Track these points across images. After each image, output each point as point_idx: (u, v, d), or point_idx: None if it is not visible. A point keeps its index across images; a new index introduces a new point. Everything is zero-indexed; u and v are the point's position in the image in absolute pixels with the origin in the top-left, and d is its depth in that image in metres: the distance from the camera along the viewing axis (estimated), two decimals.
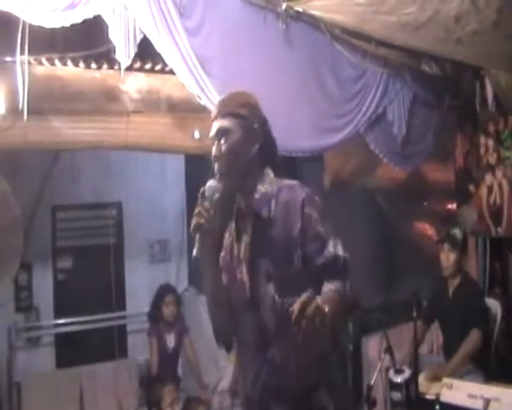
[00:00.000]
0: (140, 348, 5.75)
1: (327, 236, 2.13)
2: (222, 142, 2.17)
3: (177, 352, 5.29)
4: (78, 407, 5.17)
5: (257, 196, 2.17)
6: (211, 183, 2.12)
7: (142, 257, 6.27)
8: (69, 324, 5.78)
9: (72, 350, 5.76)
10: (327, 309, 1.89)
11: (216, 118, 2.21)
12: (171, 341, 5.25)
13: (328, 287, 2.07)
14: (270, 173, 2.23)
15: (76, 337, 5.79)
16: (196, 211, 2.07)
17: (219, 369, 5.51)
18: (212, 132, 2.20)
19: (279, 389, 2.14)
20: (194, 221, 2.07)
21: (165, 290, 5.29)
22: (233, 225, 2.25)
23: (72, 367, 5.47)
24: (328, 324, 1.91)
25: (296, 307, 1.85)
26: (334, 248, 2.12)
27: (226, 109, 2.20)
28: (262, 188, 2.19)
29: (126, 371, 5.52)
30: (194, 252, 2.06)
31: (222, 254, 2.26)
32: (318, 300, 1.89)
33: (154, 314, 5.28)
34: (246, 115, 2.19)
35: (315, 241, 2.11)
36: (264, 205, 2.16)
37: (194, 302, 5.83)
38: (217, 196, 2.09)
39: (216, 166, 2.17)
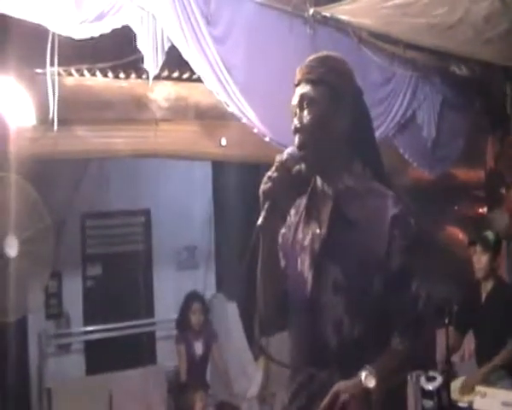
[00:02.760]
0: (169, 355, 5.75)
1: (412, 273, 1.79)
2: (305, 112, 1.85)
3: (206, 359, 5.30)
4: None
5: (341, 186, 1.85)
6: (289, 150, 1.84)
7: (170, 264, 6.27)
8: (98, 331, 5.80)
9: (101, 357, 5.79)
10: (372, 384, 1.67)
11: (299, 83, 1.89)
12: (199, 348, 5.25)
13: (395, 345, 1.79)
14: (359, 165, 1.88)
15: (105, 344, 5.81)
16: (268, 175, 1.80)
17: (248, 376, 5.49)
18: (294, 100, 1.88)
19: None
20: (263, 186, 1.79)
21: (191, 298, 5.31)
22: (303, 205, 1.96)
23: (102, 374, 5.50)
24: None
25: (326, 399, 1.66)
26: (417, 291, 1.78)
27: (312, 74, 1.86)
28: (349, 180, 1.85)
29: (155, 378, 5.53)
30: (260, 221, 1.78)
31: (283, 230, 1.98)
32: (363, 376, 1.68)
33: (182, 322, 5.30)
34: (335, 84, 1.85)
35: (397, 274, 1.77)
36: (349, 202, 1.83)
37: (222, 309, 5.82)
38: (297, 167, 1.82)
39: (296, 139, 1.86)
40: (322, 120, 1.84)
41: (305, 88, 1.86)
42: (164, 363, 5.88)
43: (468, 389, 3.99)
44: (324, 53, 1.95)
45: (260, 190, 1.81)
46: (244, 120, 3.45)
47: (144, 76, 3.50)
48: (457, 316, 4.46)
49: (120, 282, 5.98)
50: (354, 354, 1.78)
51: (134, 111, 3.68)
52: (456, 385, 4.08)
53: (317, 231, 1.88)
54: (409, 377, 3.94)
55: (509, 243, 5.15)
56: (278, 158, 1.82)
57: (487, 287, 4.36)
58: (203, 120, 3.90)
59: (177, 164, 5.60)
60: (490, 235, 4.40)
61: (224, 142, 4.03)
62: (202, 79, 3.37)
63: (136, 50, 3.16)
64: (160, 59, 3.18)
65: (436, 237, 5.63)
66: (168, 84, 3.75)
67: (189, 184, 6.26)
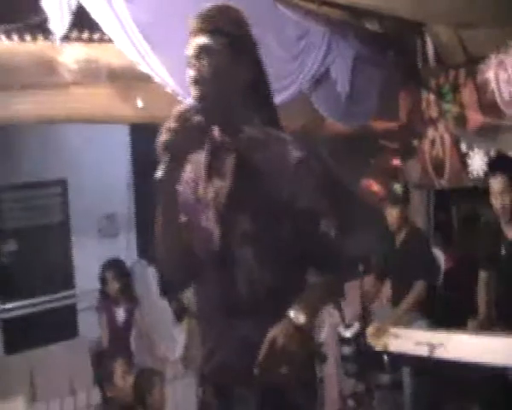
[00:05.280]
0: (91, 326, 5.66)
1: (320, 212, 1.80)
2: (203, 63, 1.79)
3: (128, 325, 5.26)
4: (30, 390, 5.05)
5: (242, 136, 1.83)
6: (189, 101, 1.81)
7: (90, 233, 6.14)
8: (16, 308, 5.62)
9: (20, 335, 5.61)
10: (302, 319, 1.69)
11: (196, 33, 1.81)
12: (120, 315, 5.22)
13: (314, 280, 1.83)
14: (257, 114, 1.87)
15: (24, 321, 5.65)
16: (167, 126, 1.73)
17: (172, 339, 5.50)
18: (191, 51, 1.81)
19: (248, 374, 1.71)
20: (162, 138, 1.73)
21: (106, 267, 5.25)
22: (198, 159, 1.90)
23: (22, 352, 5.34)
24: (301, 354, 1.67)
25: (264, 346, 1.65)
26: (328, 228, 1.79)
27: (210, 25, 1.79)
28: (249, 130, 1.84)
29: (77, 350, 5.43)
30: (159, 174, 1.73)
31: (180, 188, 1.88)
32: (292, 315, 1.69)
33: (102, 291, 5.26)
34: (234, 34, 1.81)
35: (305, 215, 1.78)
36: (251, 151, 1.82)
37: (143, 275, 5.77)
38: (198, 118, 1.76)
39: (194, 90, 1.80)
40: (222, 71, 1.79)
41: (202, 38, 1.79)
42: (86, 334, 5.78)
43: (382, 332, 4.12)
44: (221, 3, 1.87)
45: (158, 142, 1.74)
46: (157, 80, 3.39)
47: (52, 38, 3.33)
48: (376, 264, 4.61)
49: (38, 256, 5.80)
50: (268, 302, 1.78)
51: (43, 75, 3.50)
52: (372, 330, 4.21)
53: (221, 184, 1.84)
54: (327, 326, 4.09)
55: (422, 192, 5.35)
56: (177, 109, 1.76)
57: (401, 235, 4.52)
58: (117, 82, 3.77)
59: (94, 129, 5.43)
60: (398, 189, 4.50)
61: (140, 103, 3.92)
62: (112, 39, 3.27)
63: (41, 11, 3.02)
64: (67, 19, 3.06)
65: (352, 189, 5.76)
66: (78, 45, 3.59)
67: (106, 150, 6.09)
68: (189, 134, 1.74)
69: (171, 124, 1.73)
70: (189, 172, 1.91)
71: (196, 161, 1.91)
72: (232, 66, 1.80)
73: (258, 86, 1.88)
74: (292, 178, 1.78)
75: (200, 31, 1.80)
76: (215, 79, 1.78)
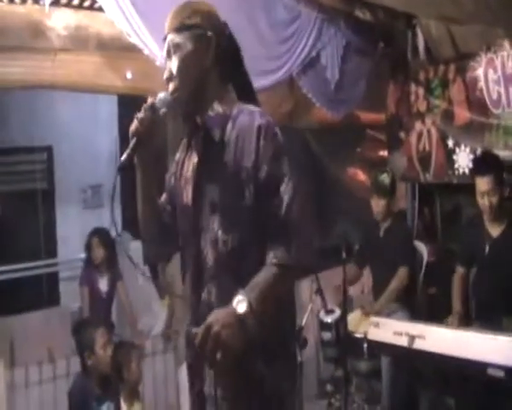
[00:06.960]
0: (73, 296, 5.68)
1: (280, 179, 1.86)
2: (172, 60, 1.97)
3: (111, 297, 5.28)
4: (9, 357, 5.07)
5: (211, 113, 1.96)
6: (161, 95, 1.97)
7: (75, 203, 6.16)
8: None
9: (1, 299, 5.62)
10: (243, 309, 1.71)
11: (166, 36, 2.00)
12: (103, 285, 5.23)
13: (270, 258, 1.82)
14: (232, 93, 2.01)
15: (5, 286, 5.65)
16: (136, 115, 1.94)
17: (153, 314, 5.52)
18: (164, 52, 2.01)
19: None
20: (131, 126, 1.94)
21: (91, 233, 5.26)
22: (185, 141, 2.10)
23: (2, 317, 5.36)
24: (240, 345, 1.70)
25: (200, 332, 1.71)
26: (286, 194, 1.85)
27: (175, 23, 1.98)
28: (218, 107, 1.97)
29: (58, 319, 5.45)
30: (123, 157, 1.92)
31: (173, 169, 2.13)
32: (235, 303, 1.73)
33: (86, 259, 5.26)
34: (196, 24, 1.96)
35: (265, 180, 1.86)
36: (217, 125, 1.94)
37: (128, 247, 5.77)
38: (163, 109, 1.95)
39: (169, 87, 1.98)
40: (186, 61, 1.95)
41: (169, 37, 1.98)
42: (68, 304, 5.80)
43: (363, 320, 4.17)
44: (187, 0, 2.03)
45: (130, 130, 1.96)
46: (146, 52, 3.38)
47: (42, 1, 3.33)
48: (357, 251, 4.64)
49: (21, 221, 5.80)
50: (230, 269, 1.87)
51: (30, 39, 3.48)
52: (353, 317, 4.26)
53: (195, 160, 2.01)
54: (308, 310, 4.13)
55: (407, 184, 5.38)
56: (148, 100, 1.96)
57: (385, 225, 4.56)
58: (106, 51, 3.76)
59: (81, 98, 5.42)
60: (385, 179, 4.53)
61: (129, 75, 3.92)
62: (103, 7, 3.27)
63: None
64: None
65: (338, 177, 5.79)
66: (67, 11, 3.58)
67: (93, 120, 6.10)
68: (157, 124, 1.96)
69: (139, 114, 1.94)
70: (179, 153, 2.12)
71: (183, 143, 2.11)
72: (195, 53, 1.96)
73: (231, 64, 2.03)
74: (254, 145, 1.87)
75: (168, 31, 1.99)
76: (182, 72, 1.95)
